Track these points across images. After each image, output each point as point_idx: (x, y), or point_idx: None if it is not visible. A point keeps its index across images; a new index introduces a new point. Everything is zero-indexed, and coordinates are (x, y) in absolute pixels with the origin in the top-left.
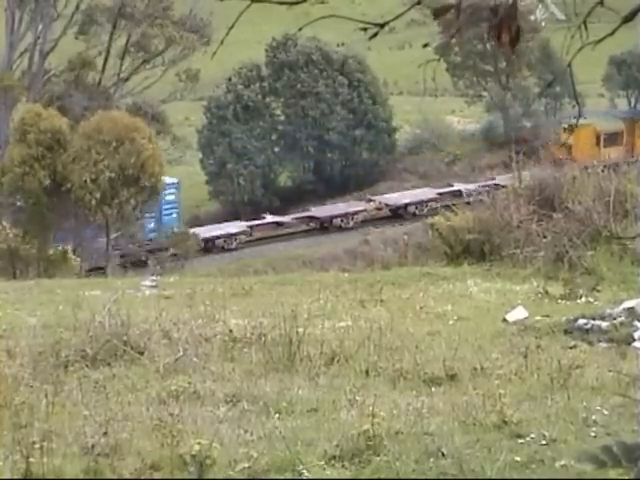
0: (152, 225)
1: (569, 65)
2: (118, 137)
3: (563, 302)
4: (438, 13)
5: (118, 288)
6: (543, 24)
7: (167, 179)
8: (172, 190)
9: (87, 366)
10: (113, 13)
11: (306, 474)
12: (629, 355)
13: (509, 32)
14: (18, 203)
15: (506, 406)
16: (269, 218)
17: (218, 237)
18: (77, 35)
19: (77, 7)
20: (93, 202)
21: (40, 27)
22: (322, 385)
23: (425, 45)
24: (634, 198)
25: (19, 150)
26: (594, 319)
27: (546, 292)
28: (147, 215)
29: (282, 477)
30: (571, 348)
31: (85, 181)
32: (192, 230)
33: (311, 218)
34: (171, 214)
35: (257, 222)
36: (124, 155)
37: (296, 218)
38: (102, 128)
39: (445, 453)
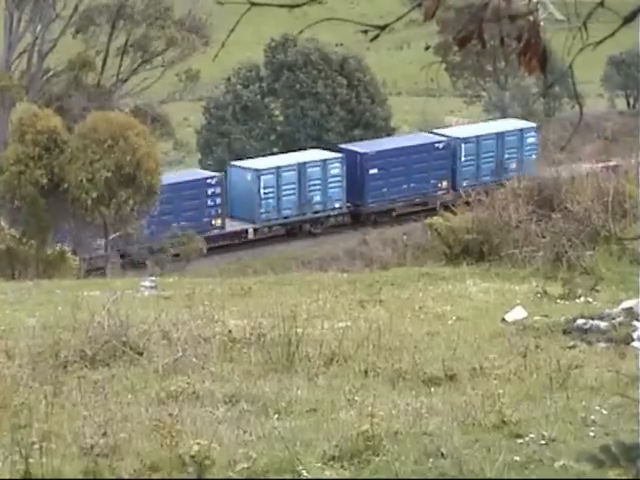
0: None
1: (570, 66)
2: (113, 136)
3: (562, 302)
4: (462, 42)
5: (117, 289)
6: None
7: (330, 154)
8: (336, 164)
9: (86, 367)
10: (112, 13)
11: (305, 474)
12: (628, 355)
13: (536, 55)
14: (16, 203)
15: (505, 406)
16: None
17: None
18: (76, 35)
19: (76, 7)
20: (90, 202)
21: (39, 27)
22: (321, 385)
23: (427, 47)
24: (633, 198)
25: (14, 149)
26: (593, 319)
27: (545, 292)
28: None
29: (281, 477)
30: (570, 348)
31: (81, 181)
32: None
33: None
34: (336, 187)
35: None
36: (119, 154)
37: None
38: (97, 127)
39: (444, 453)
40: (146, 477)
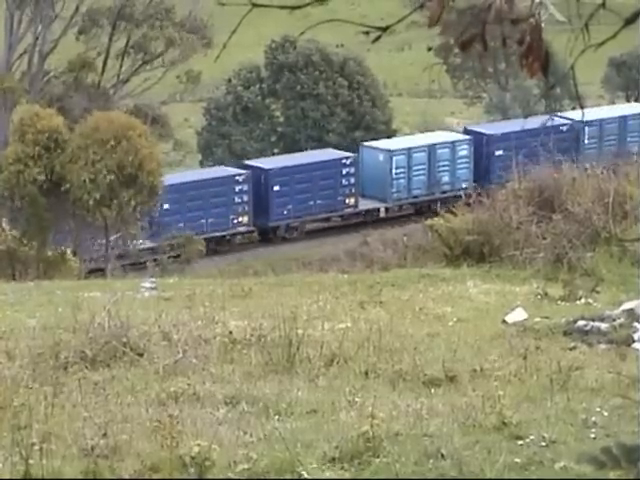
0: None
1: (572, 67)
2: (115, 136)
3: (563, 303)
4: (465, 45)
5: (117, 290)
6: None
7: (460, 136)
8: (465, 146)
9: (86, 367)
10: (113, 14)
11: (305, 476)
12: (629, 356)
13: (538, 58)
14: (16, 203)
15: (505, 407)
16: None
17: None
18: (77, 36)
19: (77, 8)
20: (91, 203)
21: (40, 28)
22: (321, 386)
23: (429, 49)
24: (634, 200)
25: (14, 148)
26: (594, 320)
27: (545, 293)
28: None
29: (281, 478)
30: (571, 349)
31: (84, 181)
32: None
33: None
34: (463, 168)
35: None
36: (121, 154)
37: None
38: (99, 128)
39: (444, 454)
40: (146, 478)
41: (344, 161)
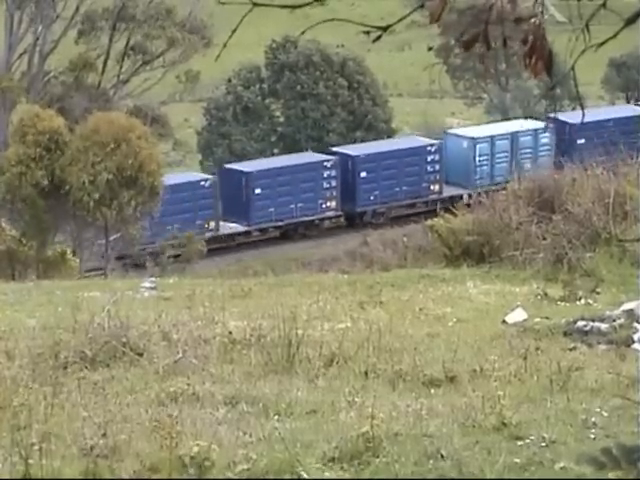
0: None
1: (572, 68)
2: (115, 138)
3: (562, 304)
4: (468, 45)
5: (117, 289)
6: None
7: (542, 124)
8: (546, 134)
9: (86, 367)
10: (113, 15)
11: (305, 476)
12: (629, 357)
13: (542, 58)
14: (16, 204)
15: (505, 408)
16: None
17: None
18: (77, 37)
19: (77, 9)
20: (91, 204)
21: (40, 28)
22: (321, 387)
23: (430, 49)
24: (634, 200)
25: (15, 150)
26: (594, 321)
27: (545, 294)
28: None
29: (281, 479)
30: (570, 350)
31: (83, 182)
32: None
33: None
34: (545, 156)
35: None
36: (121, 156)
37: None
38: (99, 129)
39: (444, 455)
40: (146, 478)
41: (429, 148)
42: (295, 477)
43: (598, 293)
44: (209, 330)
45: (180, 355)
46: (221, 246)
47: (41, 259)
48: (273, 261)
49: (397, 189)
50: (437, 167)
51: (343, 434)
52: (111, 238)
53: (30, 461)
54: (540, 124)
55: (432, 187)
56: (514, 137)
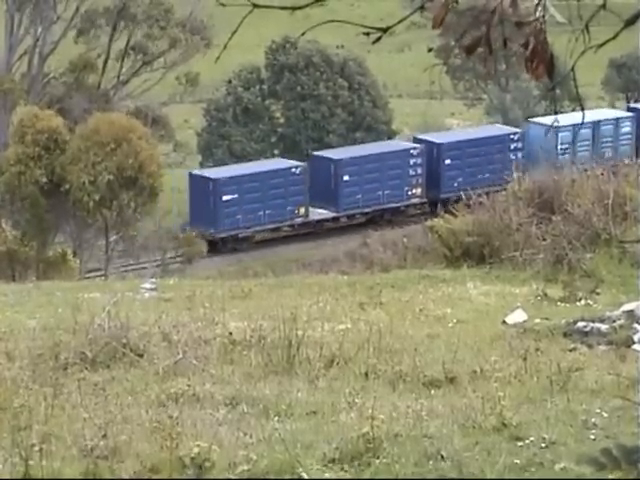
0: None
1: (572, 69)
2: (115, 138)
3: (562, 305)
4: (471, 49)
5: (117, 290)
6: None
7: (623, 113)
8: (628, 123)
9: (86, 368)
10: (113, 15)
11: (305, 477)
12: (628, 358)
13: (543, 61)
14: (17, 204)
15: (505, 409)
16: None
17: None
18: (77, 38)
19: (77, 9)
20: (91, 204)
21: (40, 29)
22: (321, 388)
23: (430, 50)
24: (633, 201)
25: (15, 150)
26: (593, 322)
27: (545, 295)
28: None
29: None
30: (570, 351)
31: (83, 183)
32: None
33: None
34: (626, 145)
35: None
36: (122, 157)
37: None
38: (99, 130)
39: (444, 456)
40: (146, 479)
41: (512, 137)
42: (295, 478)
43: (598, 294)
44: (209, 331)
45: (180, 356)
46: (310, 231)
47: (41, 260)
48: (273, 262)
49: (480, 176)
50: (519, 155)
51: (343, 435)
52: (111, 239)
53: (30, 462)
54: (622, 113)
55: (515, 175)
56: (595, 126)
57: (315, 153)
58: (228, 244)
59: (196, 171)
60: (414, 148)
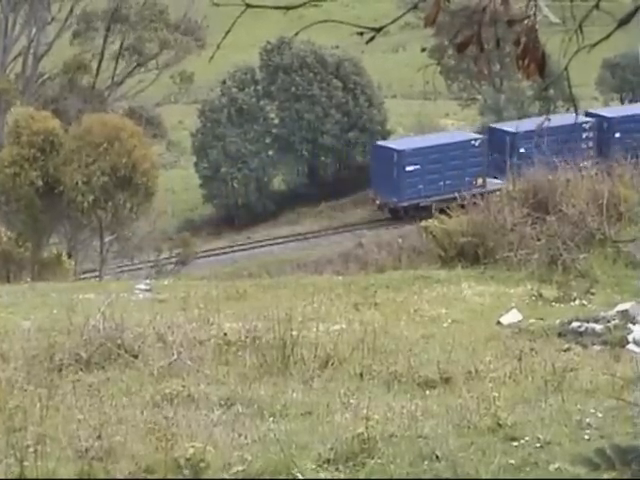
0: None
1: (566, 69)
2: (108, 138)
3: (557, 305)
4: (462, 47)
5: (112, 291)
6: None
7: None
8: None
9: (81, 370)
10: (107, 17)
11: (300, 477)
12: (623, 358)
13: (535, 60)
14: (12, 205)
15: (500, 409)
16: None
17: None
18: (71, 39)
19: (71, 10)
20: (86, 205)
21: (34, 30)
22: (316, 388)
23: (423, 50)
24: (628, 201)
25: (10, 151)
26: (588, 322)
27: (540, 295)
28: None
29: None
30: (565, 351)
31: (77, 183)
32: None
33: None
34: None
35: None
36: (115, 156)
37: None
38: (92, 130)
39: (439, 456)
40: (141, 479)
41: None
42: (290, 478)
43: (592, 294)
44: (204, 332)
45: (175, 357)
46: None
47: (36, 261)
48: (268, 263)
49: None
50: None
51: (338, 435)
52: (106, 240)
53: (25, 463)
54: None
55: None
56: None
57: (492, 125)
58: (409, 212)
59: (381, 142)
60: (586, 122)
